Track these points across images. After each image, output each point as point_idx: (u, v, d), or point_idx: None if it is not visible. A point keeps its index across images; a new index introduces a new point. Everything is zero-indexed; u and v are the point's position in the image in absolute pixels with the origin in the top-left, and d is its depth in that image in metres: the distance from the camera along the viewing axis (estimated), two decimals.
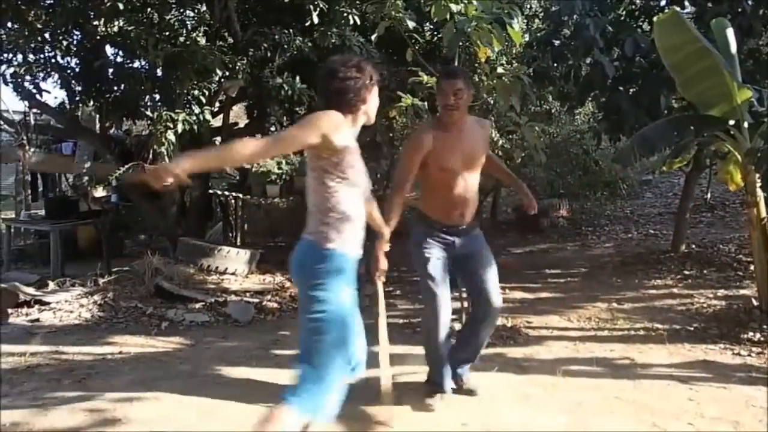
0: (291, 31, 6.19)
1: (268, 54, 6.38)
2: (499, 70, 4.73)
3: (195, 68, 5.92)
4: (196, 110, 6.00)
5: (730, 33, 4.64)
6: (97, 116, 8.11)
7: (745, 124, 4.60)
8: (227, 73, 6.20)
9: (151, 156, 5.97)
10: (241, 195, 8.13)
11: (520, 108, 4.83)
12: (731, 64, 4.47)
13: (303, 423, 2.16)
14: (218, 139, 7.84)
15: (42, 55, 6.93)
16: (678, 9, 6.39)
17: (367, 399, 3.04)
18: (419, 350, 4.29)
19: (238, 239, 7.81)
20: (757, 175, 4.52)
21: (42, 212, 9.18)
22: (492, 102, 5.81)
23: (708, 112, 4.67)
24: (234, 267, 6.33)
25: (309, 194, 2.28)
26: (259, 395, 3.39)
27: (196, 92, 6.08)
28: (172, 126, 5.71)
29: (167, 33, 6.07)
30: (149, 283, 5.77)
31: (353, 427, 2.94)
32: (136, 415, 3.19)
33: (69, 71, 7.15)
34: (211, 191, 8.10)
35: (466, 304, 4.90)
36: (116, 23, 6.44)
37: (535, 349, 4.29)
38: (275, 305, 5.72)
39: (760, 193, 4.61)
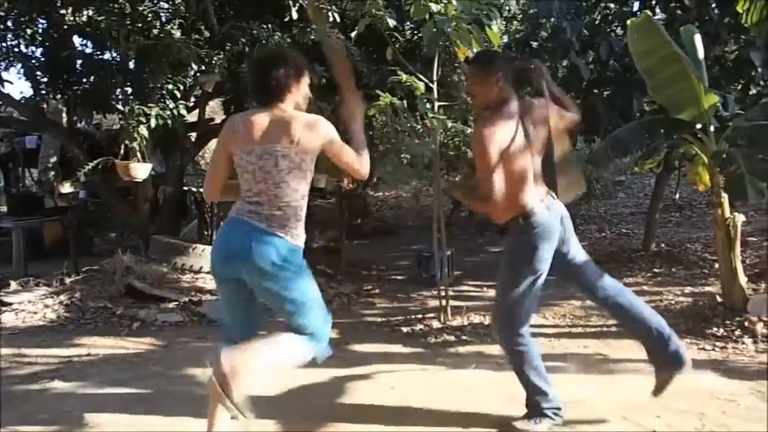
0: (270, 26, 6.11)
1: (246, 49, 6.28)
2: None
3: (169, 62, 5.80)
4: (171, 105, 5.88)
5: (698, 39, 4.75)
6: (65, 109, 7.91)
7: (712, 128, 4.72)
8: (203, 68, 6.10)
9: (122, 151, 5.84)
10: None
11: None
12: (699, 70, 4.57)
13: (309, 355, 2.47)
14: (193, 134, 7.73)
15: (4, 44, 6.71)
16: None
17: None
18: (399, 348, 4.35)
19: (213, 237, 7.70)
20: (722, 177, 4.64)
21: (4, 209, 8.93)
22: (471, 102, 5.86)
23: (677, 116, 4.77)
24: (209, 266, 6.23)
25: (283, 191, 2.38)
26: (234, 395, 3.35)
27: (170, 86, 5.94)
28: (144, 120, 5.60)
29: (140, 24, 5.89)
30: (120, 283, 5.63)
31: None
32: (104, 419, 3.11)
33: (34, 61, 6.95)
34: (185, 188, 7.97)
35: (444, 303, 4.96)
36: (85, 12, 6.26)
37: None
38: None
39: (724, 194, 4.74)
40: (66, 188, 8.24)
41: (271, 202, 2.37)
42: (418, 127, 4.96)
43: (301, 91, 2.48)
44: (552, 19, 6.52)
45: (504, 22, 8.18)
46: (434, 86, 4.63)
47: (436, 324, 4.81)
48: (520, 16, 8.49)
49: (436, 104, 4.66)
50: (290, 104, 2.45)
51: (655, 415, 3.02)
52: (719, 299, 4.92)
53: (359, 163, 2.50)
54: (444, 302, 4.95)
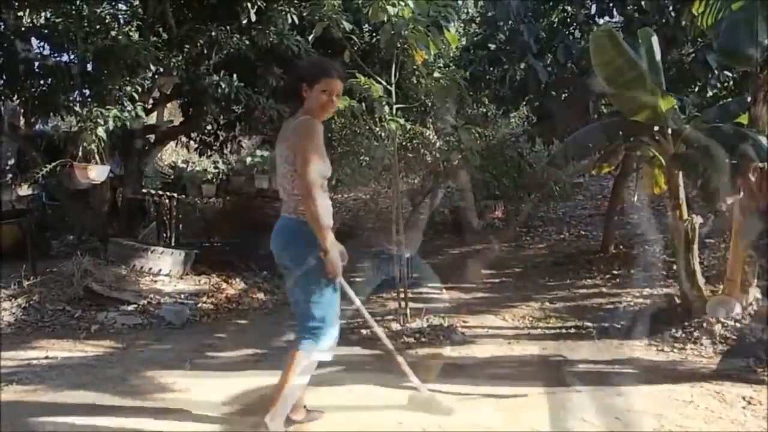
0: (228, 28, 6.08)
1: (204, 51, 6.25)
2: (436, 73, 4.78)
3: (127, 63, 5.74)
4: (129, 107, 5.83)
5: (655, 42, 4.87)
6: (22, 111, 7.73)
7: (669, 131, 4.82)
8: (161, 69, 6.04)
9: (80, 153, 5.75)
10: (175, 194, 7.91)
11: (457, 110, 4.90)
12: (656, 73, 4.68)
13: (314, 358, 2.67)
14: (152, 136, 7.62)
15: None
16: (607, 18, 6.64)
17: None
18: (357, 350, 4.33)
19: (173, 240, 7.61)
20: (681, 179, 4.72)
21: None
22: (429, 104, 5.88)
23: (635, 119, 4.86)
24: (168, 268, 6.17)
25: (288, 183, 2.63)
26: (193, 398, 3.32)
27: (128, 88, 5.88)
28: (102, 122, 5.54)
29: (98, 26, 5.82)
30: (78, 285, 5.57)
31: None
32: (63, 423, 3.06)
33: None
34: (144, 190, 7.86)
35: (404, 305, 4.96)
36: (42, 14, 6.16)
37: (470, 347, 4.36)
38: (211, 307, 5.61)
39: (682, 196, 4.83)
40: (24, 190, 8.07)
41: (283, 193, 2.67)
42: (377, 129, 4.96)
43: (312, 97, 2.64)
44: (510, 22, 6.59)
45: (462, 25, 8.26)
46: (392, 89, 4.65)
47: (395, 326, 4.81)
48: (478, 18, 8.55)
49: (395, 107, 4.67)
50: (305, 110, 2.65)
51: (614, 417, 3.05)
52: (678, 301, 5.00)
53: (304, 182, 2.53)
54: (403, 304, 4.95)
